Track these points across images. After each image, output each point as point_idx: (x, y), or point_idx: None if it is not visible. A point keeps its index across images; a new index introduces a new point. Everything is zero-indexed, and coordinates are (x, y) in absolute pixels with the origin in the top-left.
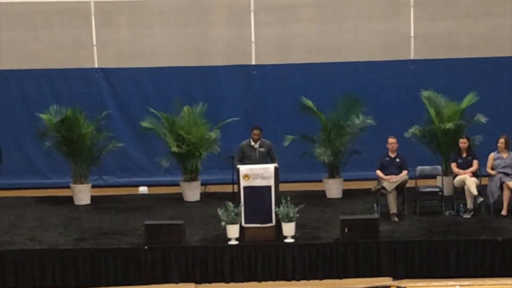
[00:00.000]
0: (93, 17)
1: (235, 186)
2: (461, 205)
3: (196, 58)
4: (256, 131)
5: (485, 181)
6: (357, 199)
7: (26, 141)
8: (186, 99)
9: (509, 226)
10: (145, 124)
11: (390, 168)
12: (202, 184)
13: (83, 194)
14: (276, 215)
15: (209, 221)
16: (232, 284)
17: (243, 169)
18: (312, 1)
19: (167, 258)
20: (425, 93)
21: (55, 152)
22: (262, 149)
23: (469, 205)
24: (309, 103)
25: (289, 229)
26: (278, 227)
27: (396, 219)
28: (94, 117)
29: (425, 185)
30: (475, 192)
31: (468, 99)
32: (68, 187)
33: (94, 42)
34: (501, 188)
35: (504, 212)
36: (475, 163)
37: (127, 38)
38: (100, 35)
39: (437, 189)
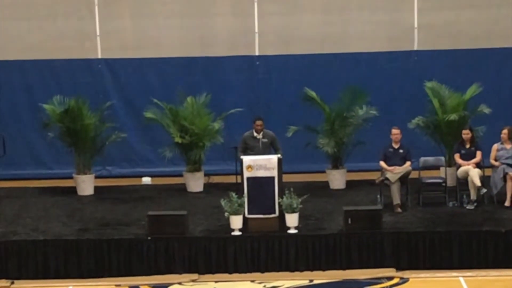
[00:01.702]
0: (96, 7)
1: (239, 177)
2: (465, 196)
3: (199, 49)
4: (259, 122)
5: (488, 172)
6: (361, 190)
7: (29, 132)
8: (189, 89)
9: None
10: (148, 114)
11: (394, 159)
12: (205, 175)
13: (86, 185)
14: (280, 206)
15: (212, 212)
16: (235, 275)
17: (247, 159)
18: None
19: (170, 248)
20: (429, 84)
21: (58, 142)
22: (265, 140)
23: (473, 196)
24: (313, 94)
25: (292, 220)
26: (282, 218)
27: (399, 210)
28: (98, 108)
29: (429, 176)
30: (478, 183)
31: (472, 90)
32: (72, 177)
33: (98, 33)
34: (504, 179)
35: (507, 203)
36: (479, 154)
37: (130, 28)
38: (104, 25)
39: (441, 180)
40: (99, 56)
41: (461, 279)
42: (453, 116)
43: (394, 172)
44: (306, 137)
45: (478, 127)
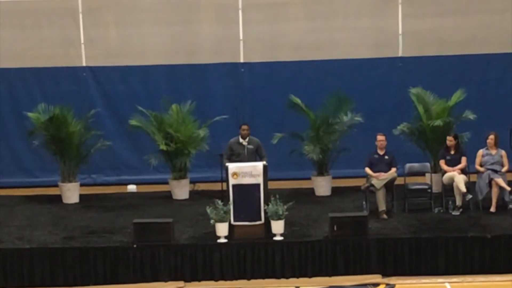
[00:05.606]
0: (80, 15)
1: (224, 184)
2: (450, 202)
3: (184, 56)
4: (245, 127)
5: (473, 178)
6: (346, 196)
7: (14, 140)
8: (174, 97)
9: (498, 223)
10: (133, 122)
11: (379, 165)
12: (191, 182)
13: (71, 193)
14: (265, 213)
15: (198, 219)
16: (221, 282)
17: (232, 167)
18: None
19: (156, 256)
20: (414, 90)
21: (43, 150)
22: (250, 146)
23: (458, 202)
24: (298, 100)
25: (278, 226)
26: (267, 225)
27: (385, 216)
28: (82, 116)
29: (414, 182)
30: (463, 189)
31: (457, 96)
32: (57, 185)
33: (82, 41)
34: (489, 185)
35: (492, 209)
36: (464, 160)
37: (115, 36)
38: (88, 33)
39: (426, 186)
40: (84, 64)
41: (447, 285)
42: (437, 122)
43: (379, 179)
44: (291, 144)
45: (463, 133)
